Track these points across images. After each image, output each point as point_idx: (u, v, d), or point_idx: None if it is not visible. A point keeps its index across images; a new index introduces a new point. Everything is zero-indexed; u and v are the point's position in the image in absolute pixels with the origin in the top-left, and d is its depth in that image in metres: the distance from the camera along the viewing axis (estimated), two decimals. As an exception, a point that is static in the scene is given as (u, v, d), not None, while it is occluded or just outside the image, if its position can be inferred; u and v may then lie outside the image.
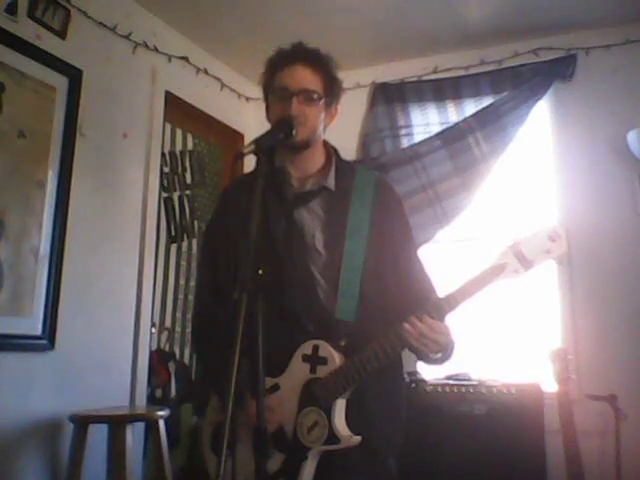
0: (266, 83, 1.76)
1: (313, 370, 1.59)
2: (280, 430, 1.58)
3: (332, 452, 1.53)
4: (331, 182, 1.74)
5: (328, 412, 1.54)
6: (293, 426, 1.57)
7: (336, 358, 1.58)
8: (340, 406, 1.56)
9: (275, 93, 1.71)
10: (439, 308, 1.54)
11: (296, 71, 1.69)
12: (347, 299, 1.64)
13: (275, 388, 1.62)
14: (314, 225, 1.71)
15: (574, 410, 2.72)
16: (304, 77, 1.68)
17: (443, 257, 3.57)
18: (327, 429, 1.53)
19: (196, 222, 3.87)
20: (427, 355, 1.59)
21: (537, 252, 1.53)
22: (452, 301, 1.53)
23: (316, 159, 1.77)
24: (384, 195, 1.78)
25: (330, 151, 1.80)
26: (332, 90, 1.74)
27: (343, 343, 1.61)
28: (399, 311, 1.58)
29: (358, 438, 1.53)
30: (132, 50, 3.24)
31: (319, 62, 1.72)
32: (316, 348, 1.60)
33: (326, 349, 1.59)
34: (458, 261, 3.56)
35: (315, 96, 1.68)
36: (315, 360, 1.59)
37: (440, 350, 1.58)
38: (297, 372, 1.61)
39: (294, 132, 1.61)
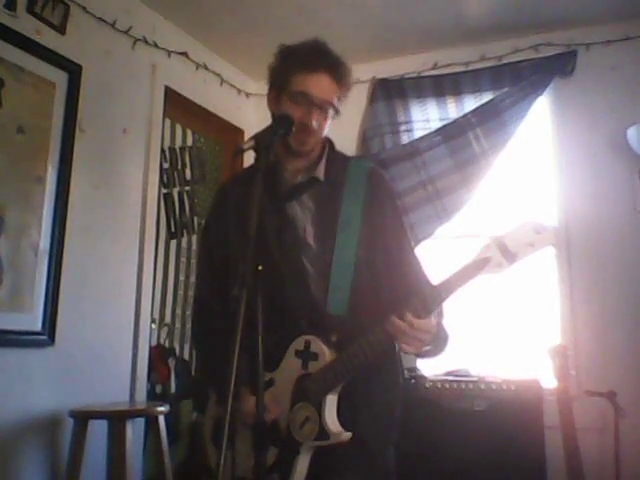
0: (281, 75, 1.72)
1: (305, 366, 1.59)
2: (275, 425, 1.58)
3: (326, 447, 1.53)
4: (321, 173, 1.73)
5: (319, 408, 1.54)
6: (286, 421, 1.57)
7: (326, 353, 1.57)
8: (331, 402, 1.55)
9: (293, 95, 1.67)
10: (423, 304, 1.49)
11: (321, 81, 1.66)
12: (338, 293, 1.63)
13: (270, 383, 1.62)
14: (305, 218, 1.70)
15: (573, 406, 2.73)
16: (328, 89, 1.67)
17: (443, 253, 3.57)
18: (317, 425, 1.53)
19: (196, 218, 3.87)
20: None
21: (521, 245, 1.48)
22: (436, 296, 1.49)
23: (312, 154, 1.75)
24: (375, 186, 1.75)
25: (325, 143, 1.79)
26: (343, 99, 1.74)
27: (334, 338, 1.60)
28: (391, 304, 1.56)
29: (348, 434, 1.53)
30: (132, 45, 3.24)
31: (342, 74, 1.71)
32: (308, 343, 1.60)
33: (317, 344, 1.59)
34: (458, 257, 3.55)
35: (332, 108, 1.69)
36: (307, 355, 1.59)
37: (426, 345, 1.55)
38: (290, 367, 1.61)
39: (302, 144, 1.65)
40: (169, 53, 3.48)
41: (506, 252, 1.48)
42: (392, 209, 1.77)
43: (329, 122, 1.72)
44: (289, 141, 1.67)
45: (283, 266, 1.67)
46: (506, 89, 3.54)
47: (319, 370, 1.57)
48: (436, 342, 1.58)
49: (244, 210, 1.41)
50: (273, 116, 1.71)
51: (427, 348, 1.58)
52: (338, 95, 1.70)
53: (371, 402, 1.64)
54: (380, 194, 1.75)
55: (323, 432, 1.52)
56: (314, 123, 1.65)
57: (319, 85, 1.66)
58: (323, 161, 1.75)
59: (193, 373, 3.71)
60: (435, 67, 3.77)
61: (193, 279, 3.77)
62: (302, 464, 1.53)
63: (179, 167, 3.80)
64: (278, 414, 1.58)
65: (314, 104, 1.65)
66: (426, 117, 3.73)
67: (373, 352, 1.52)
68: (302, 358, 1.60)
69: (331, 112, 1.70)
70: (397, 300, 1.56)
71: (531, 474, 2.84)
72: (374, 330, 1.53)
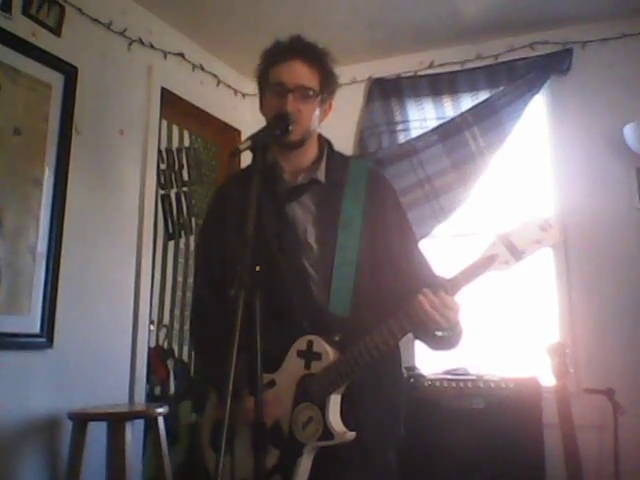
0: (261, 75, 1.74)
1: (308, 366, 1.58)
2: (277, 426, 1.58)
3: (329, 447, 1.52)
4: (321, 174, 1.72)
5: (322, 408, 1.53)
6: (289, 422, 1.57)
7: (330, 353, 1.57)
8: (334, 402, 1.55)
9: (271, 88, 1.69)
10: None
11: (293, 67, 1.67)
12: (340, 293, 1.62)
13: (271, 384, 1.61)
14: (306, 219, 1.70)
15: (572, 404, 2.72)
16: (301, 73, 1.66)
17: (441, 252, 3.56)
18: (321, 425, 1.52)
19: (193, 219, 3.87)
20: (431, 333, 1.55)
21: (528, 242, 1.49)
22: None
23: (309, 153, 1.75)
24: (376, 186, 1.75)
25: (323, 144, 1.79)
26: (328, 86, 1.72)
27: (337, 338, 1.60)
28: (395, 304, 1.55)
29: (352, 434, 1.52)
30: (127, 47, 3.23)
31: (316, 58, 1.70)
32: (310, 343, 1.59)
33: (320, 344, 1.58)
34: (456, 256, 3.56)
35: (311, 93, 1.67)
36: (309, 356, 1.58)
37: (447, 328, 1.54)
38: (292, 368, 1.60)
39: (290, 129, 1.61)
40: (165, 54, 3.48)
41: (513, 249, 1.49)
42: (395, 208, 1.77)
43: (315, 109, 1.69)
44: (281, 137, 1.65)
45: (283, 267, 1.66)
46: (502, 88, 3.55)
47: (322, 370, 1.56)
48: (452, 329, 1.57)
49: (242, 211, 1.40)
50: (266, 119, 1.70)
51: (441, 333, 1.56)
52: (319, 79, 1.69)
53: (374, 401, 1.63)
54: (381, 194, 1.75)
55: (327, 432, 1.51)
56: (289, 108, 1.62)
57: (290, 71, 1.66)
58: (323, 162, 1.74)
59: (192, 374, 3.70)
60: (431, 66, 3.78)
61: (191, 280, 3.76)
62: (305, 465, 1.52)
63: (176, 168, 3.80)
64: (279, 415, 1.58)
65: (288, 90, 1.64)
66: (423, 116, 3.73)
67: (378, 351, 1.52)
68: (304, 358, 1.59)
69: (314, 98, 1.68)
70: (403, 297, 1.54)
71: (530, 472, 2.85)
72: (379, 329, 1.53)
